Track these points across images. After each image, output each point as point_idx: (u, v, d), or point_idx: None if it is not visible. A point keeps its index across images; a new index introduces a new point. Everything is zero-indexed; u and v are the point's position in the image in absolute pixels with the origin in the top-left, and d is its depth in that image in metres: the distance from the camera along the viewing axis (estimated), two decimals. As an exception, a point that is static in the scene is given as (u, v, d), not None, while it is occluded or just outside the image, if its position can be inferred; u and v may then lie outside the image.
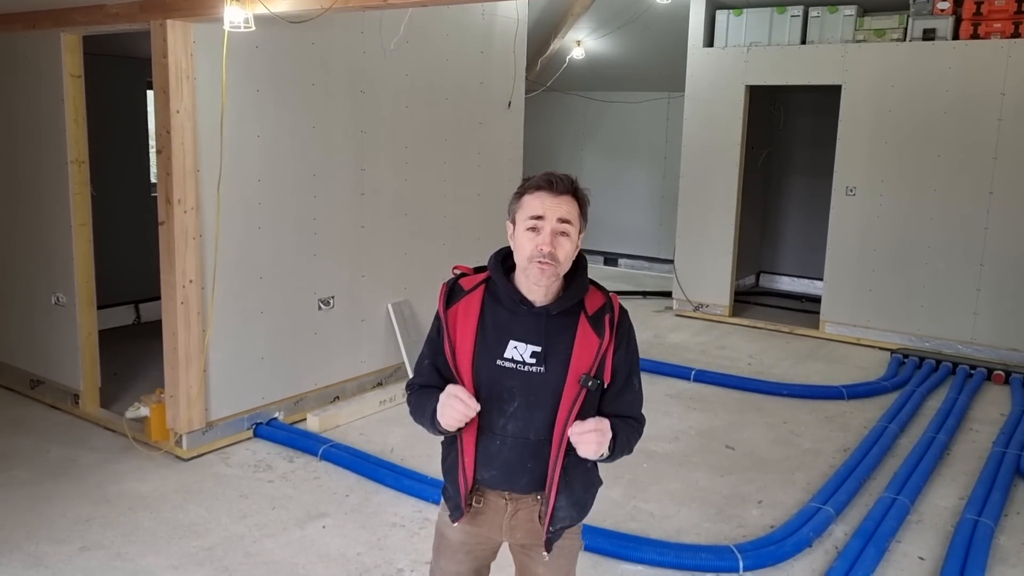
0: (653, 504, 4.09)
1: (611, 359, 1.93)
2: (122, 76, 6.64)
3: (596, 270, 10.30)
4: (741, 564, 3.43)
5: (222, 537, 3.66)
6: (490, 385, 1.93)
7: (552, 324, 1.92)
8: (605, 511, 3.98)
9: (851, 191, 7.09)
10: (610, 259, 10.55)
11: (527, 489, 2.01)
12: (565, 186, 1.89)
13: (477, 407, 1.88)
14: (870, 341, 7.06)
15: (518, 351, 1.92)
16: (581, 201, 1.92)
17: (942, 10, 6.58)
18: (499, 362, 1.92)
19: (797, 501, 4.14)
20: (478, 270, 2.03)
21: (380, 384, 5.48)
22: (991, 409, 5.53)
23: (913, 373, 6.14)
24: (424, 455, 4.49)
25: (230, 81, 4.31)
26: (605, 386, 1.94)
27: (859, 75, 6.94)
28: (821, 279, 7.59)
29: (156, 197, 4.35)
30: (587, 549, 3.54)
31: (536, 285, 1.90)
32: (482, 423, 1.95)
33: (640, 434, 2.08)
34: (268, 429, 4.74)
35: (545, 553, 2.04)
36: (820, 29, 7.14)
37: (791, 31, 7.26)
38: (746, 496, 4.21)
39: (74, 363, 4.94)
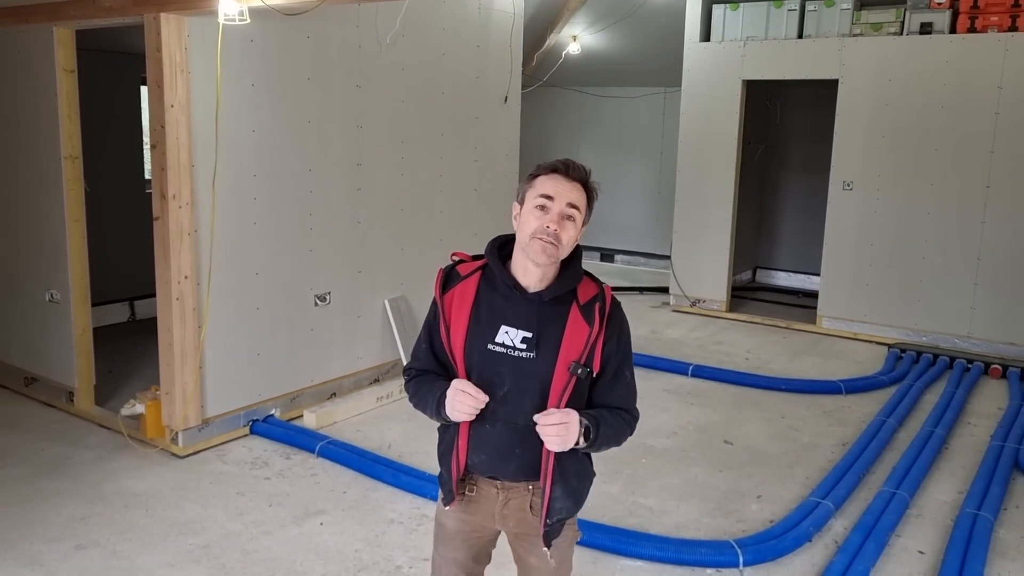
0: (652, 499, 4.08)
1: (601, 348, 1.94)
2: (116, 71, 6.59)
3: (593, 266, 10.28)
4: (741, 559, 3.42)
5: (219, 535, 3.64)
6: (481, 369, 1.95)
7: (544, 311, 1.94)
8: (604, 507, 3.97)
9: (848, 185, 7.08)
10: (606, 255, 10.53)
11: (516, 476, 2.02)
12: (580, 174, 1.94)
13: (486, 399, 1.91)
14: (867, 336, 7.06)
15: (509, 336, 1.94)
16: (590, 192, 1.96)
17: (939, 4, 6.56)
18: (490, 346, 1.94)
19: (796, 496, 4.14)
20: (476, 258, 2.05)
21: (377, 380, 5.45)
22: (989, 403, 5.53)
23: (911, 367, 6.14)
24: (422, 451, 4.47)
25: (225, 75, 4.28)
26: (594, 375, 1.95)
27: (856, 69, 6.92)
28: (818, 274, 7.58)
29: (151, 193, 4.31)
30: (586, 545, 3.54)
31: (534, 264, 1.91)
32: None
33: (632, 428, 2.07)
34: (265, 426, 4.71)
35: (546, 549, 2.04)
36: (817, 23, 7.12)
37: (788, 25, 7.24)
38: (745, 491, 4.20)
39: (68, 360, 4.91)
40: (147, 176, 6.68)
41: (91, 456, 4.40)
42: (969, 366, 6.12)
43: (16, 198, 5.09)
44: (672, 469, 4.44)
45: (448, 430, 2.06)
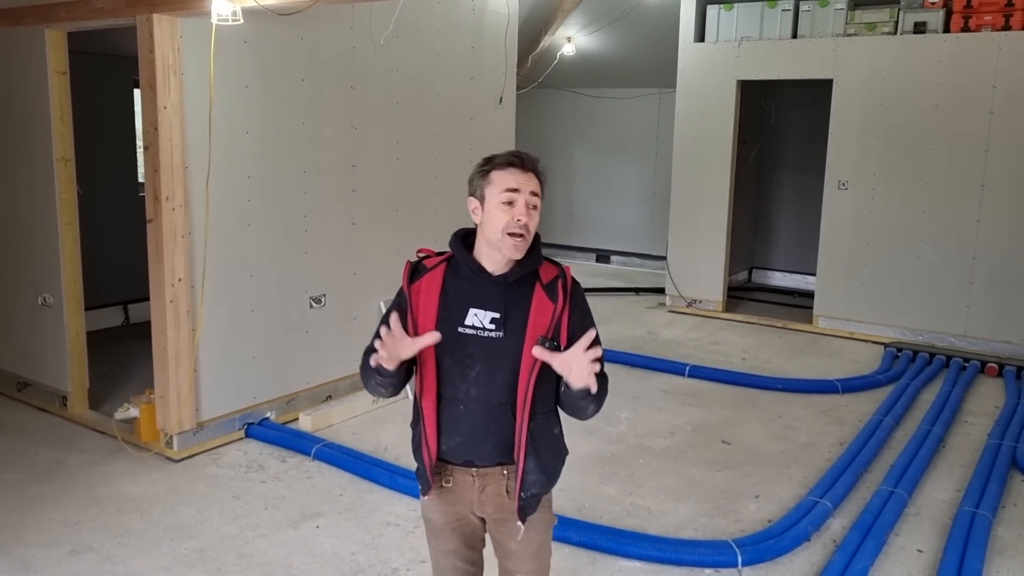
0: (650, 500, 4.06)
1: (567, 322, 2.03)
2: (109, 75, 6.57)
3: (589, 267, 10.28)
4: (740, 559, 3.40)
5: (214, 538, 3.61)
6: (452, 351, 2.01)
7: (510, 292, 2.03)
8: (601, 507, 3.95)
9: (843, 185, 7.08)
10: (602, 256, 10.52)
11: (491, 457, 2.07)
12: (532, 163, 2.03)
13: (397, 331, 1.92)
14: (863, 335, 7.05)
15: (478, 317, 2.01)
16: (542, 179, 2.06)
17: (932, 3, 6.57)
18: (460, 329, 2.02)
19: (794, 495, 4.12)
20: (440, 254, 2.13)
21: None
22: (985, 401, 5.53)
23: (907, 367, 6.13)
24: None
25: (218, 76, 4.26)
26: (562, 348, 2.01)
27: (850, 69, 6.93)
28: (813, 274, 7.58)
29: (145, 196, 4.29)
30: (584, 546, 3.53)
31: (512, 257, 2.00)
32: (445, 392, 2.04)
33: (606, 390, 2.06)
34: (260, 429, 4.68)
35: (520, 523, 2.10)
36: (811, 23, 7.12)
37: (782, 25, 7.25)
38: (743, 491, 4.18)
39: (62, 364, 4.88)
40: (141, 179, 6.65)
41: (85, 460, 4.37)
42: (965, 365, 6.12)
43: (8, 201, 5.06)
44: (670, 469, 4.42)
45: (418, 422, 2.10)
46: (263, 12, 3.85)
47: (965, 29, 6.47)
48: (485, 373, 2.01)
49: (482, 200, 2.02)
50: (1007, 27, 6.32)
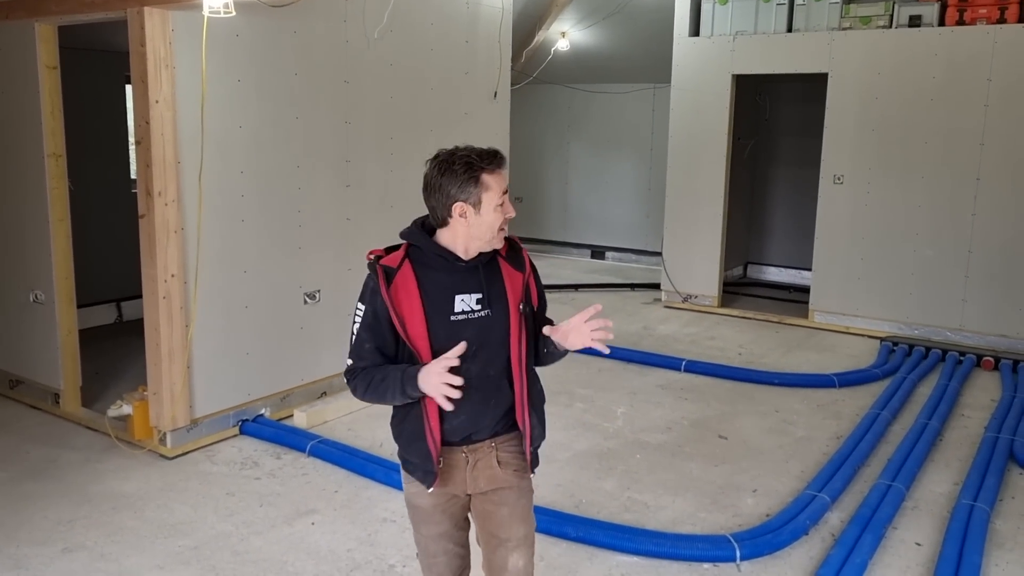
0: (647, 495, 4.04)
1: (534, 285, 2.21)
2: (101, 71, 6.52)
3: (584, 263, 10.27)
4: (738, 553, 3.39)
5: (208, 536, 3.58)
6: (448, 340, 2.06)
7: (485, 271, 2.13)
8: (599, 503, 3.93)
9: (839, 179, 7.07)
10: (597, 252, 10.50)
11: (489, 428, 2.18)
12: (504, 159, 2.10)
13: (460, 381, 1.99)
14: (859, 329, 7.05)
15: (465, 302, 2.10)
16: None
17: (927, -4, 6.57)
18: (452, 318, 2.09)
19: (792, 489, 4.11)
20: (389, 250, 2.15)
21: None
22: (982, 395, 5.53)
23: (903, 360, 6.12)
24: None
25: (211, 70, 4.22)
26: (535, 309, 2.22)
27: (845, 63, 6.92)
28: (808, 269, 7.57)
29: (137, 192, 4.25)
30: (582, 541, 3.51)
31: (497, 247, 2.13)
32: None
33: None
34: (254, 426, 4.65)
35: (531, 475, 2.26)
36: (806, 17, 7.11)
37: (777, 19, 7.23)
38: (741, 485, 4.17)
39: (54, 362, 4.83)
40: (134, 177, 6.60)
41: (77, 458, 4.34)
42: (961, 358, 6.12)
43: (-1, 197, 5.02)
44: (667, 464, 4.40)
45: (408, 415, 2.14)
46: (255, 5, 3.82)
47: (960, 22, 6.45)
48: (482, 350, 2.10)
49: (477, 205, 2.03)
50: (1002, 20, 6.31)
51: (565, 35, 9.16)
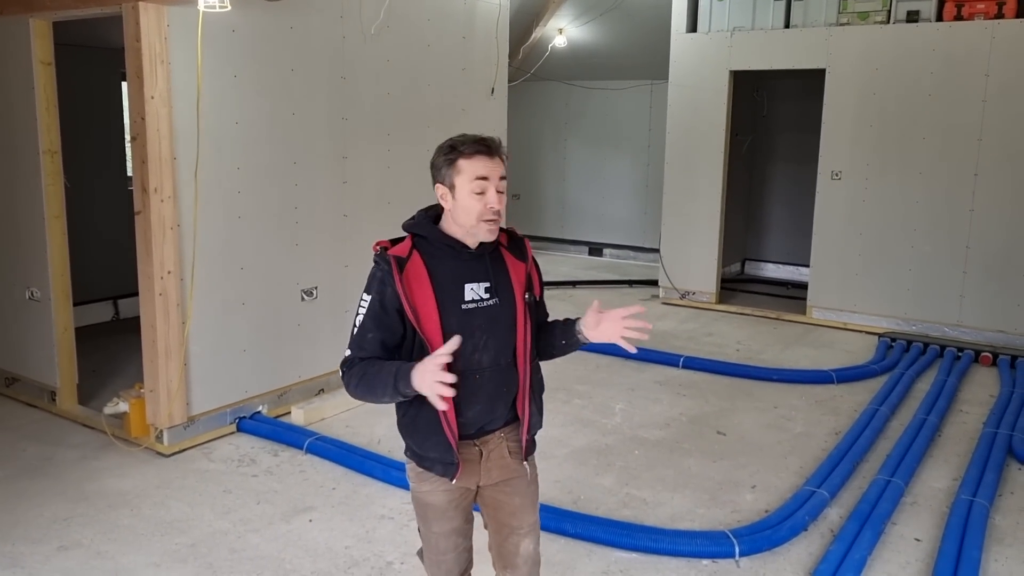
0: (646, 491, 4.03)
1: (536, 275, 2.23)
2: (97, 68, 6.49)
3: (582, 260, 10.25)
4: (737, 549, 3.38)
5: (205, 533, 3.56)
6: (460, 328, 2.05)
7: (491, 260, 2.15)
8: (597, 499, 3.92)
9: (836, 175, 7.06)
10: (595, 249, 10.49)
11: (502, 418, 2.19)
12: (498, 148, 2.07)
13: (452, 378, 1.93)
14: (857, 325, 7.04)
15: (475, 291, 2.11)
16: (505, 160, 2.11)
17: (925, -8, 6.56)
18: (464, 307, 2.09)
19: (791, 485, 4.10)
20: (395, 241, 2.14)
21: (365, 376, 5.38)
22: (980, 391, 5.52)
23: (901, 356, 6.12)
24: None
25: (207, 66, 4.20)
26: (537, 299, 2.24)
27: (843, 58, 6.91)
28: (806, 266, 7.57)
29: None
30: (581, 537, 3.50)
31: (487, 240, 2.10)
32: (458, 367, 2.02)
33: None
34: (252, 423, 4.64)
35: (525, 463, 2.25)
36: (804, 12, 7.10)
37: (775, 15, 7.22)
38: (739, 481, 4.16)
39: (50, 359, 4.81)
40: (131, 173, 6.57)
41: (74, 456, 4.32)
42: (959, 354, 6.12)
43: (-6, 194, 4.99)
44: (665, 460, 4.39)
45: (422, 410, 2.08)
46: (251, 0, 3.79)
47: (958, 18, 6.45)
48: (492, 339, 2.11)
49: (452, 188, 2.05)
50: (1000, 15, 6.30)
51: (562, 31, 9.15)
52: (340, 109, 5.04)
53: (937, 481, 4.14)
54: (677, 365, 5.96)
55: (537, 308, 2.25)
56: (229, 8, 3.71)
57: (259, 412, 4.76)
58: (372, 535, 3.57)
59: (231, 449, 4.43)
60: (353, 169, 5.17)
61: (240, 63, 4.43)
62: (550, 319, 2.33)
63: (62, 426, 4.71)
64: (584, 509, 3.79)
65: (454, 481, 2.16)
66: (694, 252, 7.86)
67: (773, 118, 8.99)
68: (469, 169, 2.03)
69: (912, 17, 6.60)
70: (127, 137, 6.39)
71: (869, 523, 3.54)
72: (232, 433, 4.61)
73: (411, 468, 2.24)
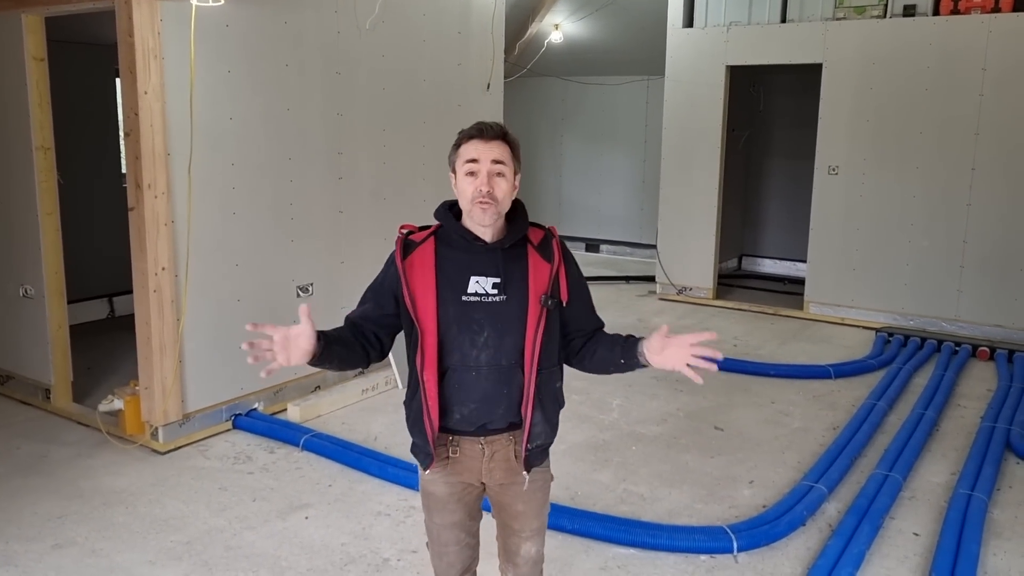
0: (643, 487, 4.02)
1: (565, 279, 2.14)
2: (91, 64, 6.46)
3: (578, 256, 10.00)
4: (735, 544, 3.36)
5: (201, 531, 3.54)
6: (459, 320, 2.06)
7: (506, 256, 2.10)
8: (595, 495, 3.91)
9: (833, 170, 7.05)
10: (592, 245, 10.48)
11: (503, 419, 2.12)
12: (495, 132, 2.07)
13: (270, 335, 1.94)
14: (854, 320, 7.04)
15: (480, 285, 2.07)
16: (512, 145, 2.09)
17: (922, -14, 6.54)
18: (464, 297, 2.07)
19: (789, 480, 4.09)
20: (423, 228, 2.17)
21: (362, 372, 5.36)
22: (977, 385, 5.52)
23: (899, 351, 6.11)
24: (408, 443, 4.37)
25: (200, 61, 4.17)
26: (564, 304, 2.13)
27: (840, 53, 6.89)
28: (803, 261, 7.56)
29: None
30: (578, 533, 3.48)
31: (481, 225, 2.06)
32: (453, 361, 2.07)
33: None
34: (247, 420, 4.61)
35: (525, 473, 2.17)
36: (800, 7, 7.08)
37: (771, 9, 7.20)
38: (737, 476, 4.15)
39: (44, 357, 4.79)
40: (125, 170, 6.55)
41: (68, 453, 4.29)
42: (957, 348, 6.11)
43: (-13, 191, 4.96)
44: (663, 456, 4.38)
45: (415, 396, 2.12)
46: (245, -7, 3.77)
47: (955, 12, 6.44)
48: (494, 337, 2.07)
49: (454, 172, 2.10)
50: (996, 9, 6.29)
51: (558, 27, 9.13)
52: (335, 104, 5.01)
53: (935, 475, 4.14)
54: (674, 361, 5.93)
55: (564, 314, 2.15)
56: (222, 2, 3.68)
57: (255, 409, 4.74)
58: (368, 532, 3.55)
59: (227, 446, 4.41)
60: (348, 165, 5.15)
61: (234, 58, 4.40)
62: (607, 331, 2.24)
63: (56, 424, 4.68)
64: (582, 505, 3.78)
65: (427, 472, 2.18)
66: (691, 248, 7.84)
67: (770, 113, 8.98)
68: (464, 153, 2.07)
69: (909, 11, 6.59)
70: (121, 132, 6.37)
71: (867, 518, 3.52)
72: (228, 430, 4.59)
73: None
